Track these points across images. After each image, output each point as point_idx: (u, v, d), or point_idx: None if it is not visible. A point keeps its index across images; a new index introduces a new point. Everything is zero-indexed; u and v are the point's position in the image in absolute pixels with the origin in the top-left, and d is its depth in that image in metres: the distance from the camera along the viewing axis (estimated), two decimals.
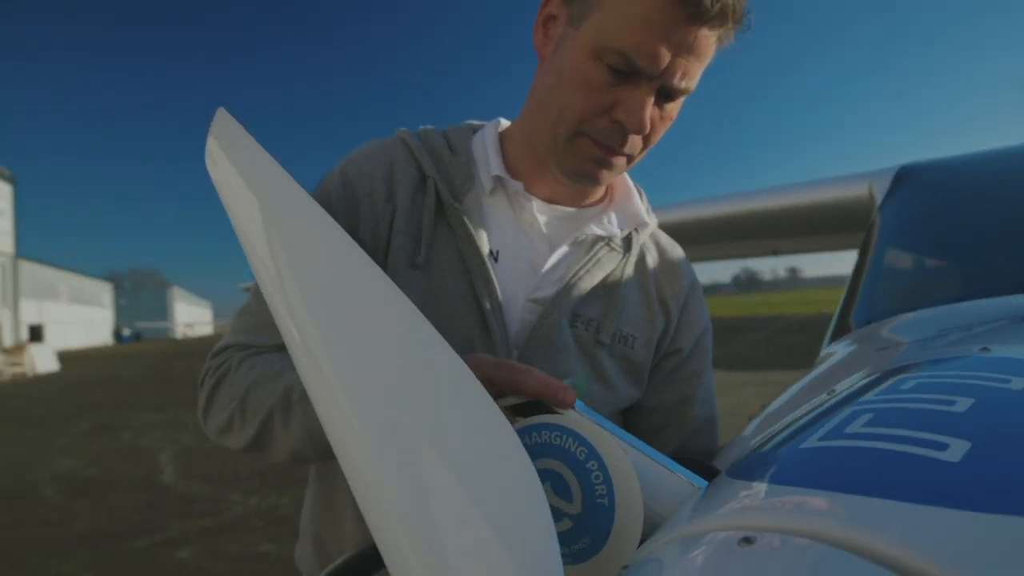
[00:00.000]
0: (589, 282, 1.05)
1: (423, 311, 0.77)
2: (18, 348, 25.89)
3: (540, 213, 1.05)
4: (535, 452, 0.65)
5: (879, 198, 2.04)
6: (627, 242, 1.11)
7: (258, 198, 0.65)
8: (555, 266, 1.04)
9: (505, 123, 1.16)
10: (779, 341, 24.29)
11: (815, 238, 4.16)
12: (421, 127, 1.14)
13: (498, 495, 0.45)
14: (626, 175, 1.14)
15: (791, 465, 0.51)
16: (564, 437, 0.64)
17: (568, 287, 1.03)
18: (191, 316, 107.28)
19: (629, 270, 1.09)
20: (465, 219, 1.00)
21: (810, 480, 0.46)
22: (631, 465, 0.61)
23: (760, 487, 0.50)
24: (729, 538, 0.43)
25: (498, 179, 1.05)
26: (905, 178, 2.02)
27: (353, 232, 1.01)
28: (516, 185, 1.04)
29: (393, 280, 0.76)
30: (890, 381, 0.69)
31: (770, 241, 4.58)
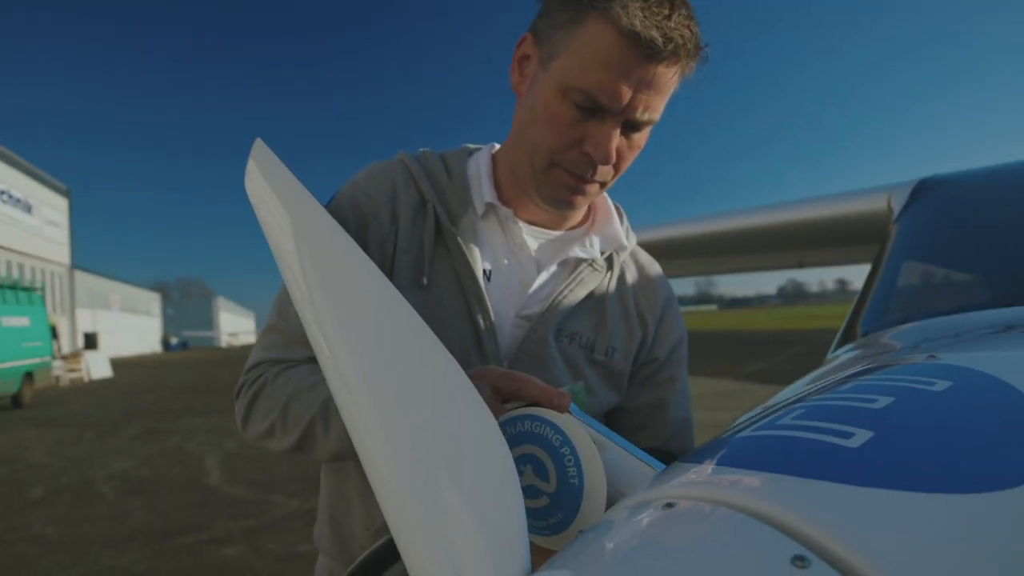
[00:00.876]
0: (572, 299, 1.14)
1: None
2: (75, 355, 26.79)
3: (528, 236, 1.14)
4: (518, 439, 0.74)
5: (896, 211, 2.07)
6: (609, 262, 1.20)
7: (289, 219, 0.74)
8: (542, 285, 1.14)
9: (498, 147, 1.23)
10: (822, 354, 23.75)
11: (838, 250, 4.19)
12: (420, 150, 1.22)
13: (479, 478, 0.56)
14: (607, 196, 1.24)
15: (725, 450, 0.57)
16: (543, 426, 0.73)
17: (554, 305, 1.12)
18: (235, 326, 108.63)
19: (611, 288, 1.19)
20: (461, 242, 1.09)
21: (732, 461, 0.53)
22: (596, 451, 0.70)
23: (694, 467, 0.56)
24: (657, 505, 0.50)
25: (490, 205, 1.14)
26: (923, 191, 2.05)
27: (364, 249, 1.02)
28: (506, 212, 1.13)
29: (409, 297, 0.96)
30: (837, 382, 0.76)
31: (795, 253, 4.58)
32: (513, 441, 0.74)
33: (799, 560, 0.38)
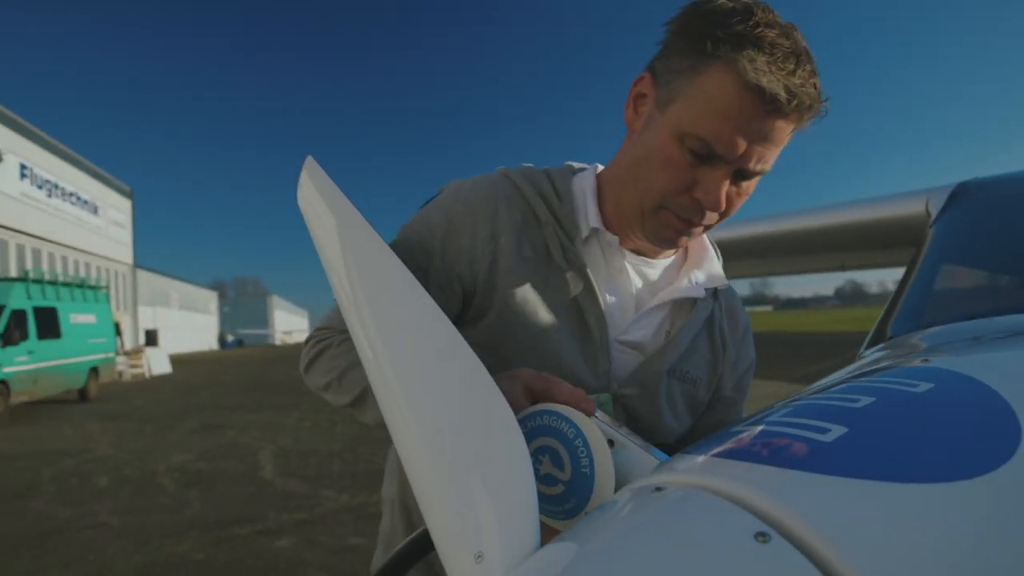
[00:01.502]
0: (687, 338, 1.16)
1: (534, 341, 1.08)
2: (137, 351, 27.66)
3: (628, 263, 1.16)
4: (537, 432, 0.81)
5: (934, 214, 2.08)
6: (713, 299, 1.22)
7: (336, 230, 0.83)
8: (648, 316, 1.17)
9: (601, 168, 1.23)
10: None
11: (879, 253, 4.16)
12: (523, 165, 1.22)
13: (494, 462, 0.65)
14: (710, 247, 1.27)
15: (718, 443, 0.64)
16: (559, 421, 0.80)
17: (672, 342, 1.15)
18: (288, 324, 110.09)
19: (711, 323, 1.22)
20: (582, 270, 1.12)
21: (721, 452, 0.60)
22: (607, 444, 0.77)
23: (688, 457, 0.64)
24: (648, 488, 0.58)
25: (594, 229, 1.14)
26: (960, 195, 2.05)
27: (445, 258, 1.12)
28: (612, 238, 1.14)
29: (517, 313, 1.08)
30: (836, 383, 0.81)
31: (837, 256, 4.56)
32: (532, 434, 0.81)
33: (761, 536, 0.45)
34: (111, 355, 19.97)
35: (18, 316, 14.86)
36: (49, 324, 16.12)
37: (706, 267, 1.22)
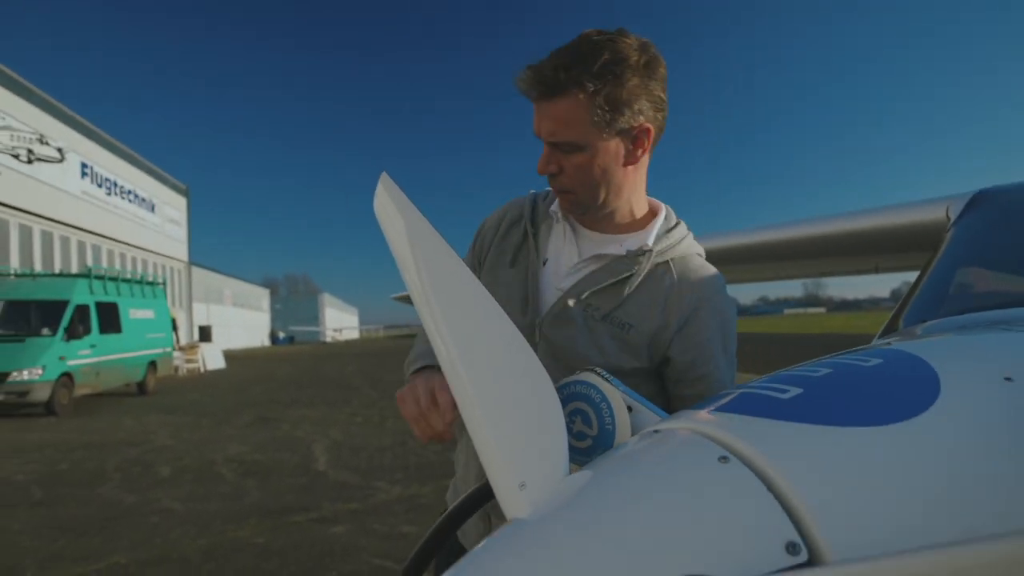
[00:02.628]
0: (596, 281, 1.43)
1: (508, 294, 1.50)
2: (192, 347, 28.50)
3: (581, 237, 1.52)
4: (572, 397, 1.02)
5: (952, 219, 2.22)
6: (638, 260, 1.43)
7: (407, 236, 0.96)
8: (577, 269, 1.48)
9: None
10: None
11: (910, 256, 4.29)
12: (547, 188, 1.60)
13: (535, 412, 0.83)
14: (666, 211, 1.55)
15: (707, 402, 0.84)
16: (588, 388, 1.00)
17: (580, 281, 1.46)
18: (339, 321, 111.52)
19: (635, 279, 1.42)
20: (533, 241, 1.55)
21: (707, 406, 0.80)
22: (625, 406, 0.97)
23: (684, 411, 0.83)
24: (648, 433, 0.79)
25: (553, 212, 1.55)
26: (978, 201, 2.17)
27: (476, 250, 1.68)
28: (565, 222, 1.54)
29: (494, 273, 1.56)
30: (819, 361, 0.95)
31: (871, 258, 4.76)
32: (568, 399, 1.02)
33: (723, 459, 0.64)
34: (168, 350, 20.62)
35: (81, 311, 15.44)
36: (110, 319, 16.72)
37: (640, 237, 1.47)
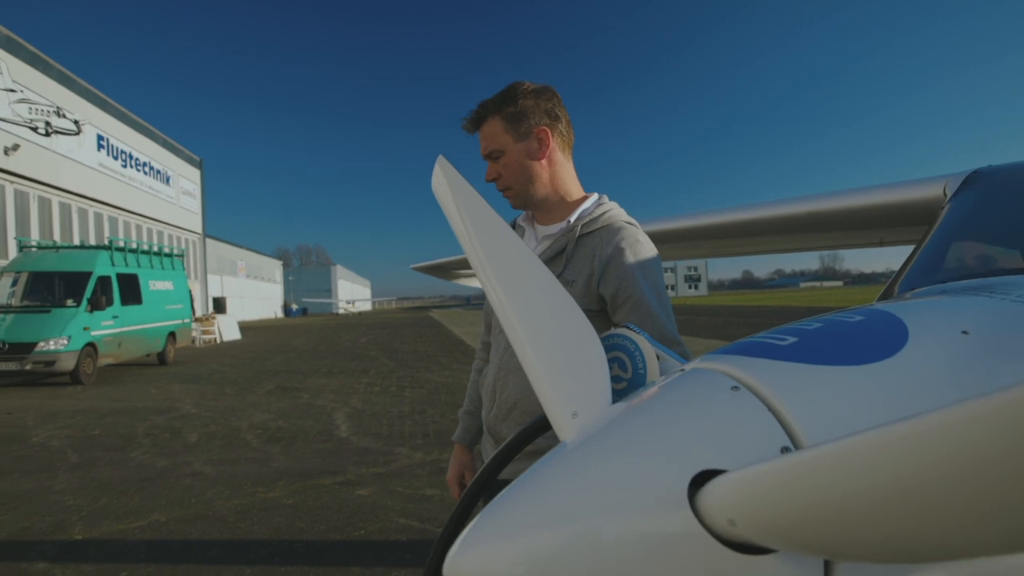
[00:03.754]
0: (546, 256, 1.89)
1: None
2: (208, 318, 28.88)
3: (536, 229, 2.02)
4: (612, 347, 1.20)
5: (948, 195, 2.41)
6: (569, 234, 1.90)
7: (468, 214, 1.16)
8: (533, 251, 1.80)
9: None
10: None
11: (913, 229, 4.48)
12: None
13: (584, 354, 1.01)
14: (602, 197, 2.01)
15: (724, 349, 1.00)
16: (625, 340, 1.16)
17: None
18: (352, 293, 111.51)
19: (569, 247, 1.88)
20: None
21: (723, 350, 0.98)
22: (655, 355, 1.15)
23: (702, 357, 1.01)
24: (674, 373, 0.97)
25: (521, 224, 2.07)
26: (973, 180, 2.35)
27: None
28: (529, 220, 2.05)
29: None
30: (812, 317, 1.15)
31: (876, 232, 4.99)
32: (609, 348, 1.19)
33: (734, 388, 0.81)
34: (187, 321, 20.96)
35: (103, 282, 15.75)
36: (131, 290, 17.04)
37: (566, 220, 1.94)
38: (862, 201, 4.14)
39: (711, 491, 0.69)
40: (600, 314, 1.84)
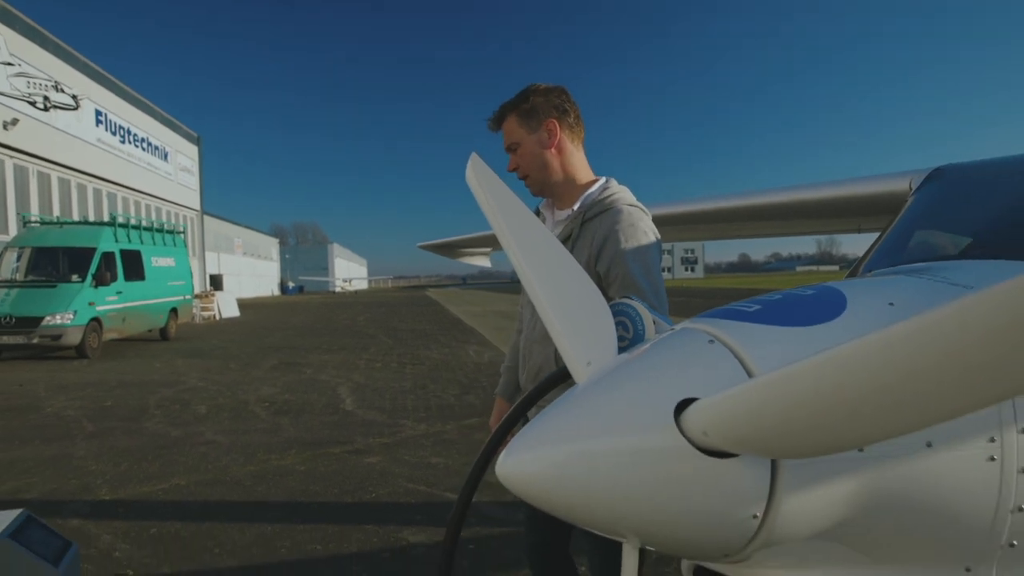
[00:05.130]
0: (560, 237, 2.14)
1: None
2: (208, 295, 29.12)
3: (554, 215, 2.31)
4: (617, 312, 1.44)
5: (912, 189, 2.69)
6: (576, 220, 2.16)
7: (496, 202, 1.45)
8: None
9: None
10: None
11: (886, 218, 4.88)
12: None
13: (594, 314, 1.31)
14: (609, 180, 2.24)
15: (708, 314, 1.28)
16: (627, 307, 1.40)
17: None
18: (348, 272, 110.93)
19: (575, 231, 2.14)
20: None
21: (706, 315, 1.25)
22: (652, 321, 1.40)
23: (691, 319, 1.28)
24: (665, 332, 1.27)
25: (542, 211, 2.37)
26: (934, 177, 2.61)
27: None
28: (549, 206, 2.34)
29: None
30: (776, 291, 1.42)
31: (854, 220, 5.43)
32: (616, 313, 1.43)
33: (711, 341, 1.09)
34: (188, 297, 21.23)
35: (107, 258, 15.96)
36: (134, 266, 17.26)
37: (573, 206, 2.21)
38: (839, 192, 4.57)
39: (691, 412, 0.97)
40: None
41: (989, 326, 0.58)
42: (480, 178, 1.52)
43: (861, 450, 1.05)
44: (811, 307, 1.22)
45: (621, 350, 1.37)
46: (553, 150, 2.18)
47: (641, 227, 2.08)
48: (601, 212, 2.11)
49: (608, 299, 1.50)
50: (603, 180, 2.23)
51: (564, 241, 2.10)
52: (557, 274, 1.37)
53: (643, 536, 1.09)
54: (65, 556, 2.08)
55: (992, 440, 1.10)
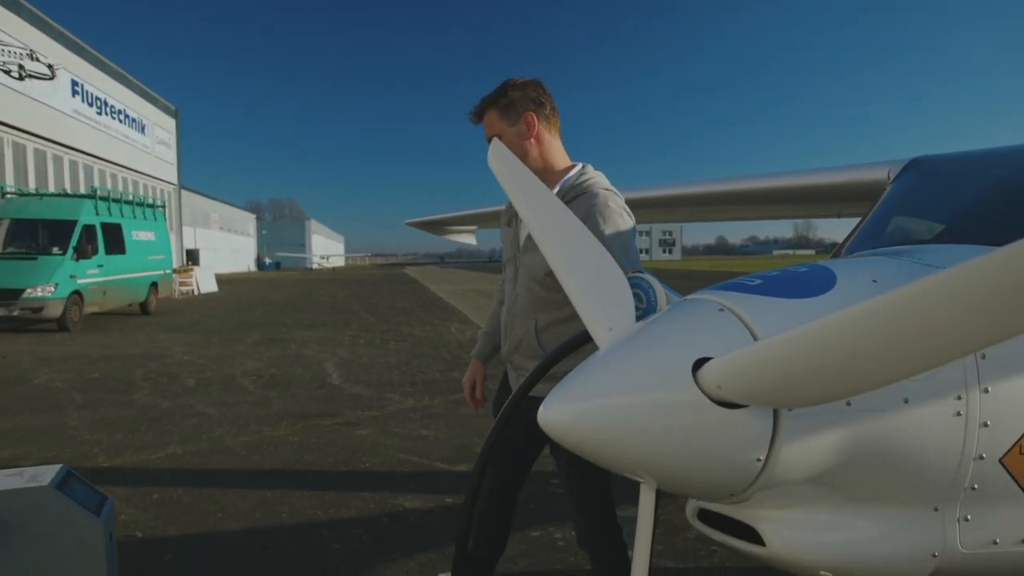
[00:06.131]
0: None
1: (508, 240, 2.59)
2: (186, 270, 28.96)
3: None
4: (634, 284, 1.60)
5: (890, 179, 2.91)
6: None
7: (518, 183, 1.64)
8: None
9: None
10: None
11: (865, 205, 5.15)
12: None
13: (613, 286, 1.48)
14: (586, 167, 2.40)
15: (717, 286, 1.45)
16: (642, 280, 1.60)
17: None
18: (325, 248, 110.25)
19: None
20: (516, 213, 2.39)
21: (715, 287, 1.43)
22: (664, 293, 1.57)
23: (700, 290, 1.46)
24: (678, 302, 1.46)
25: None
26: (911, 167, 2.81)
27: (504, 215, 2.65)
28: None
29: (503, 230, 2.67)
30: (775, 268, 1.61)
31: (834, 206, 5.75)
32: (632, 286, 1.58)
33: (721, 310, 1.29)
34: (168, 271, 21.11)
35: (88, 231, 15.85)
36: (115, 240, 17.15)
37: (553, 191, 2.22)
38: (822, 180, 4.84)
39: (706, 369, 1.14)
40: None
41: (947, 298, 0.76)
42: (502, 161, 1.70)
43: (848, 404, 1.23)
44: (806, 282, 1.39)
45: (637, 319, 1.54)
46: (532, 140, 2.33)
47: (617, 209, 2.24)
48: (578, 195, 2.27)
49: None
50: (580, 166, 2.40)
51: None
52: (577, 248, 1.54)
53: (661, 478, 1.26)
54: (104, 508, 2.22)
55: (959, 398, 1.29)
